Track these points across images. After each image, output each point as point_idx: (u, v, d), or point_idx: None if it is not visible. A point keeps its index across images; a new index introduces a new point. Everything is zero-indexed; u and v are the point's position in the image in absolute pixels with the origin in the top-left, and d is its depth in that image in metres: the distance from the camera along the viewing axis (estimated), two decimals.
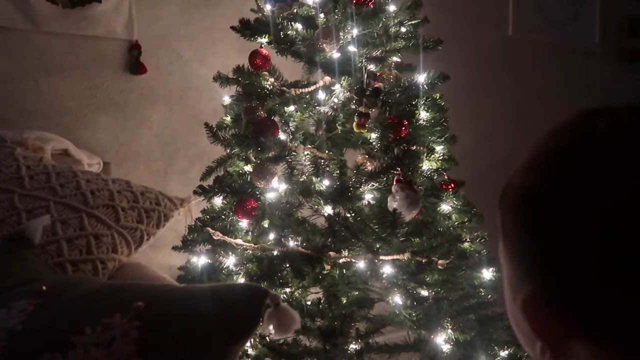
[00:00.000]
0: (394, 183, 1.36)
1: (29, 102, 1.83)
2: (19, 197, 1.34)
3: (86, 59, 1.91)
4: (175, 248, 1.63)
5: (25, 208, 1.32)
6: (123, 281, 1.24)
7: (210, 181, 1.59)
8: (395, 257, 1.37)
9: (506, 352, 1.44)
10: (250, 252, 1.52)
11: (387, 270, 1.39)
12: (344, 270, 1.44)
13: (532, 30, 2.97)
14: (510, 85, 2.97)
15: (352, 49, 1.44)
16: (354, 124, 1.37)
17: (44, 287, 0.87)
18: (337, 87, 1.47)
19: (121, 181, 1.50)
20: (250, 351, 1.52)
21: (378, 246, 1.38)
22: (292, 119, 1.49)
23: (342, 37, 1.42)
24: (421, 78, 1.44)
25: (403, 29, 1.50)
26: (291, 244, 1.45)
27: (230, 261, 1.54)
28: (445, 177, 1.50)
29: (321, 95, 1.50)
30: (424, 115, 1.43)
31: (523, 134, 3.02)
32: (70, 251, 1.26)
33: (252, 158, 1.53)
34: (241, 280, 1.48)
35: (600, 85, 3.13)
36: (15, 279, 0.95)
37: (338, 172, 1.45)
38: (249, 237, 1.52)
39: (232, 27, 1.55)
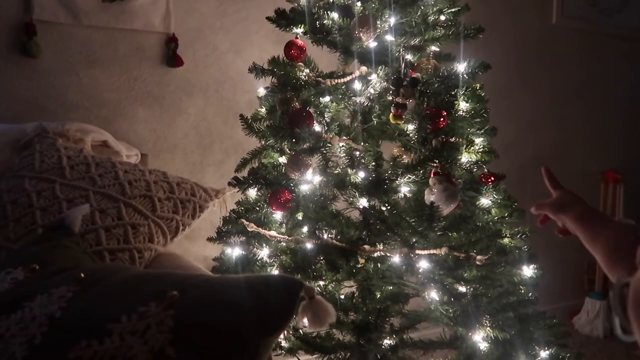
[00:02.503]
0: (432, 176, 1.33)
1: (71, 95, 1.87)
2: (60, 187, 1.37)
3: (125, 51, 1.94)
4: (210, 239, 1.64)
5: (66, 197, 1.35)
6: (159, 270, 1.25)
7: (245, 173, 1.59)
8: (431, 251, 1.34)
9: (547, 352, 1.39)
10: (284, 244, 1.51)
11: (423, 265, 1.36)
12: (379, 264, 1.41)
13: (578, 18, 2.84)
14: (553, 76, 2.86)
15: (389, 38, 1.41)
16: (391, 115, 1.34)
17: (83, 275, 0.88)
18: (373, 78, 1.44)
19: (158, 172, 1.52)
20: (283, 343, 1.52)
21: (414, 240, 1.35)
22: (327, 110, 1.47)
23: (379, 25, 1.39)
24: (461, 67, 1.39)
25: (442, 17, 1.45)
26: (325, 236, 1.43)
27: (264, 253, 1.54)
28: (485, 170, 1.45)
29: (357, 86, 1.48)
30: (463, 106, 1.39)
31: (566, 127, 2.91)
32: (108, 240, 1.28)
33: (287, 150, 1.52)
34: (275, 272, 1.47)
35: None
36: (55, 266, 0.97)
37: (374, 164, 1.42)
38: (283, 229, 1.52)
39: (268, 18, 1.54)
